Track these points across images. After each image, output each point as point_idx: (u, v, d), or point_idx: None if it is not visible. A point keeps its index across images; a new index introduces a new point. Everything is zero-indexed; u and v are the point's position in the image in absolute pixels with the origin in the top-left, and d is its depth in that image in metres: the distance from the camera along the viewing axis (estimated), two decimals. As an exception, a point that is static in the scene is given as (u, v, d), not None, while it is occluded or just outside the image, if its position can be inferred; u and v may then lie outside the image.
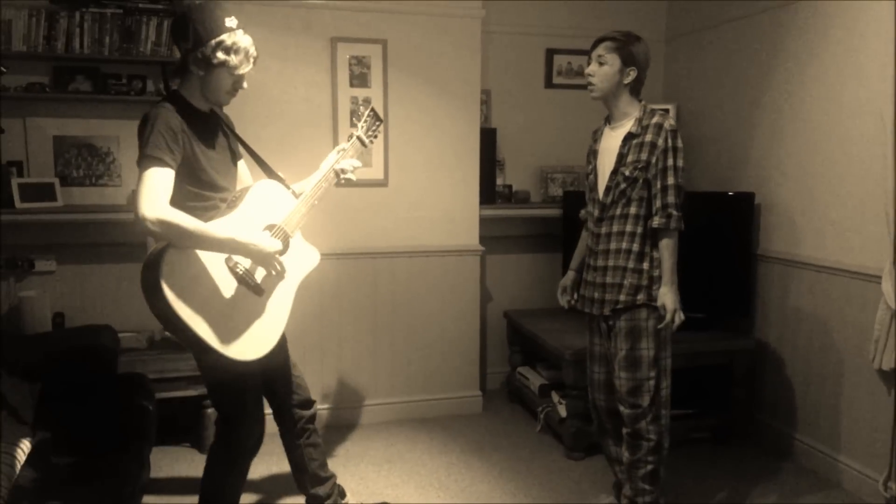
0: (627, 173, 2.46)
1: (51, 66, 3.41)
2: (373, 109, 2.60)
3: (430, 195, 3.79)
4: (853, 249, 3.03)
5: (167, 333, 3.44)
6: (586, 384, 2.83)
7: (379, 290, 3.76)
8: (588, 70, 2.53)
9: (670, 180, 2.42)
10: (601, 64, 2.47)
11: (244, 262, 2.11)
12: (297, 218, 2.28)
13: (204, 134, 2.14)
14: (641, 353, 2.50)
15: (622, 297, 2.50)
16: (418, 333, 3.85)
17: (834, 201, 3.13)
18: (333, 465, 3.21)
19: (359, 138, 2.51)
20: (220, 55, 2.04)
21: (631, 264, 2.49)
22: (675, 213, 2.42)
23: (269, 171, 2.37)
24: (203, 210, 2.09)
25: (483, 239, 3.92)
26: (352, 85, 3.59)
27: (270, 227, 2.22)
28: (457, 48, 3.72)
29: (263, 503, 2.96)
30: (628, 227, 2.50)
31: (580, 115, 4.17)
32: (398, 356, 3.83)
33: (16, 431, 2.24)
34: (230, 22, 2.06)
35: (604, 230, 2.56)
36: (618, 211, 2.51)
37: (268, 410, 2.44)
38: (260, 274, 2.15)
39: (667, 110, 2.61)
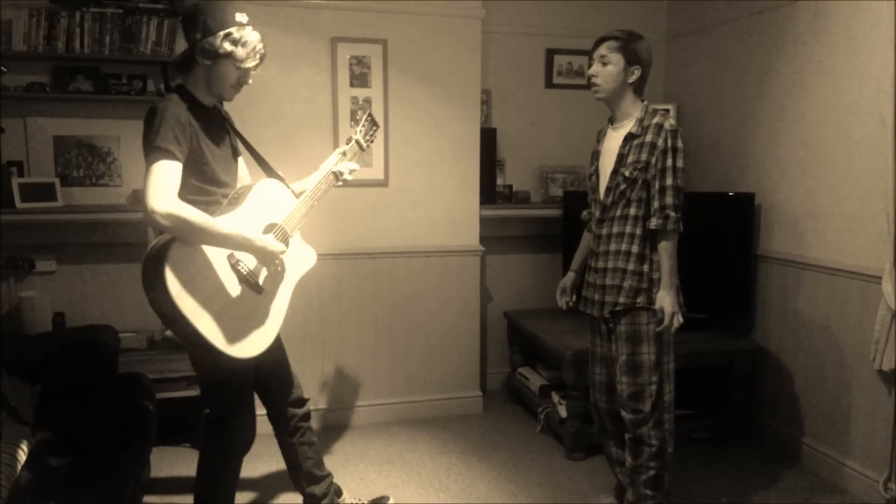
0: (627, 174, 2.44)
1: (51, 65, 3.42)
2: (370, 115, 2.65)
3: (430, 195, 3.79)
4: (853, 249, 3.03)
5: (167, 333, 3.44)
6: (587, 384, 2.82)
7: (379, 291, 3.76)
8: (591, 71, 2.50)
9: (669, 181, 2.39)
10: (605, 64, 2.44)
11: (246, 260, 2.12)
12: (297, 218, 2.31)
13: (209, 129, 2.16)
14: (642, 357, 2.48)
15: (621, 300, 2.48)
16: (418, 333, 3.85)
17: (834, 201, 3.13)
18: (333, 464, 3.21)
19: (357, 142, 2.57)
20: (228, 46, 2.06)
21: (631, 266, 2.47)
22: (672, 214, 2.39)
23: (268, 170, 2.38)
24: (205, 205, 2.09)
25: (483, 239, 3.92)
26: (352, 85, 3.59)
27: (272, 226, 2.24)
28: (457, 48, 3.72)
29: (261, 502, 2.95)
30: (628, 229, 2.48)
31: (580, 115, 4.17)
32: (398, 356, 3.83)
33: (16, 431, 2.24)
34: (240, 17, 2.10)
35: (604, 231, 2.54)
36: (618, 212, 2.49)
37: (262, 410, 2.45)
38: (261, 272, 2.16)
39: (667, 110, 2.60)
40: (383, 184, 3.70)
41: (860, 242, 2.99)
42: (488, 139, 3.96)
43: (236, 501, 2.39)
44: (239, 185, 2.32)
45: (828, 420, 3.20)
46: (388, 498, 2.87)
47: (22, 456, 2.17)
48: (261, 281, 2.16)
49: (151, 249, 1.98)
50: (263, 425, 2.51)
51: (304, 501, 2.61)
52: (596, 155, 2.64)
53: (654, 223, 2.41)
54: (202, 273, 2.00)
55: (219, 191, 2.17)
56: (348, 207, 3.62)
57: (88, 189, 3.54)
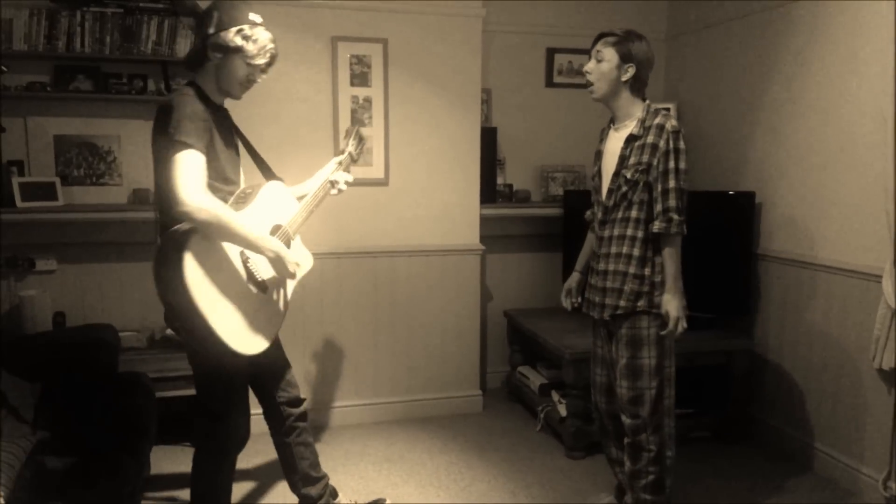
0: (629, 176, 2.41)
1: (52, 65, 3.42)
2: (358, 131, 2.74)
3: (430, 194, 3.79)
4: (853, 249, 3.03)
5: (168, 332, 3.44)
6: (586, 383, 2.82)
7: (379, 290, 3.77)
8: (586, 67, 2.48)
9: (671, 183, 2.37)
10: (599, 61, 2.43)
11: (255, 258, 2.14)
12: (298, 221, 2.37)
13: (220, 126, 2.18)
14: (642, 362, 2.46)
15: (622, 303, 2.46)
16: (419, 332, 3.85)
17: (834, 201, 3.13)
18: (333, 463, 3.22)
19: (350, 154, 2.67)
20: (239, 40, 2.09)
21: (632, 269, 2.44)
22: (676, 217, 2.36)
23: (268, 173, 2.40)
24: None
25: (483, 238, 3.92)
26: (352, 84, 3.59)
27: (276, 228, 2.29)
28: (457, 47, 3.72)
29: (258, 499, 2.96)
30: (629, 231, 2.45)
31: (581, 114, 4.17)
32: (398, 355, 3.84)
33: (16, 431, 2.25)
34: (254, 17, 2.15)
35: (606, 233, 2.52)
36: (619, 214, 2.46)
37: (257, 409, 2.45)
38: (267, 272, 2.19)
39: (668, 109, 2.59)
40: (384, 183, 3.70)
41: (860, 241, 2.99)
42: (488, 138, 3.96)
43: (234, 499, 2.39)
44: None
45: (827, 419, 3.20)
46: (384, 500, 2.86)
47: (22, 455, 2.17)
48: (266, 280, 2.19)
49: (170, 238, 1.97)
50: (259, 424, 2.51)
51: (300, 503, 2.61)
52: (598, 155, 2.61)
53: (657, 227, 2.38)
54: (218, 266, 2.02)
55: (226, 188, 2.19)
56: (349, 207, 3.62)
57: (89, 188, 3.54)
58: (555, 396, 3.65)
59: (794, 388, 3.39)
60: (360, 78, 3.60)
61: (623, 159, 2.44)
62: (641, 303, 2.44)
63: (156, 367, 3.23)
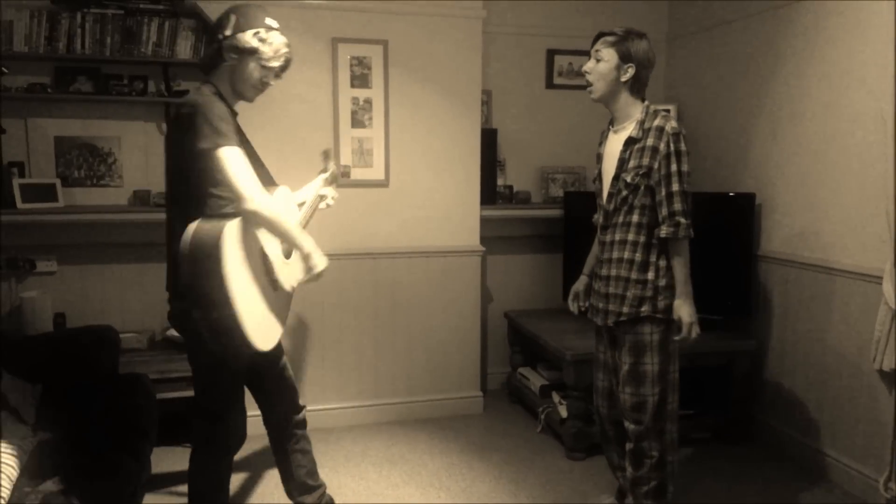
0: (629, 179, 2.38)
1: (52, 66, 3.42)
2: (328, 151, 2.77)
3: (431, 196, 3.79)
4: (853, 249, 3.03)
5: (168, 334, 3.45)
6: (587, 385, 2.81)
7: (380, 291, 3.77)
8: (585, 67, 2.44)
9: (675, 187, 2.33)
10: (598, 60, 2.39)
11: (273, 255, 2.16)
12: (302, 225, 2.41)
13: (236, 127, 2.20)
14: (645, 368, 2.43)
15: (625, 310, 2.43)
16: (419, 334, 3.85)
17: (834, 201, 3.13)
18: (334, 464, 3.22)
19: (333, 173, 2.72)
20: (255, 42, 2.13)
21: (634, 275, 2.41)
22: (682, 221, 2.33)
23: (267, 178, 2.40)
24: (228, 201, 2.09)
25: (484, 239, 3.92)
26: (353, 85, 3.59)
27: None
28: (458, 48, 3.72)
29: (257, 502, 2.96)
30: (630, 236, 2.42)
31: (581, 115, 4.17)
32: (399, 356, 3.84)
33: (16, 431, 2.25)
34: (270, 21, 2.20)
35: (608, 238, 2.49)
36: (620, 219, 2.43)
37: (255, 411, 2.45)
38: (282, 270, 2.20)
39: (668, 111, 2.58)
40: (384, 184, 3.70)
41: (860, 242, 2.99)
42: (489, 139, 3.96)
43: (232, 499, 2.39)
44: None
45: (828, 420, 3.20)
46: None
47: (23, 456, 2.17)
48: (280, 278, 2.20)
49: (203, 230, 1.96)
50: (257, 425, 2.50)
51: None
52: (599, 158, 2.58)
53: (664, 232, 2.35)
54: (247, 260, 2.02)
55: None
56: (349, 208, 3.62)
57: (89, 190, 3.55)
58: (555, 398, 3.65)
59: (795, 389, 3.39)
60: (360, 79, 3.60)
61: (622, 162, 2.41)
62: (645, 308, 2.41)
63: (156, 368, 3.23)
